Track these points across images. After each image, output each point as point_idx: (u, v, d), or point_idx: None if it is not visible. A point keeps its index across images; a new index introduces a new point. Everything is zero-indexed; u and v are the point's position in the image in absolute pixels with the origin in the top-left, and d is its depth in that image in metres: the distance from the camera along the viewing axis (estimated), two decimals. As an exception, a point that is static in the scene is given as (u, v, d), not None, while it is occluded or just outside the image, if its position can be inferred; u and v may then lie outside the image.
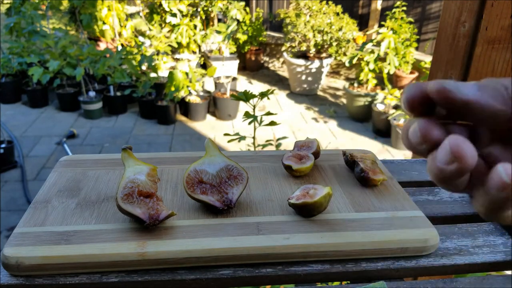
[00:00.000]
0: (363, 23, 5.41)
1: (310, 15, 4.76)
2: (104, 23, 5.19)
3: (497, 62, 1.06)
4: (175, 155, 0.81)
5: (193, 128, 4.14)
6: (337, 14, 4.78)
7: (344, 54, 4.75)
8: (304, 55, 5.09)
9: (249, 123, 1.62)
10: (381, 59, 4.43)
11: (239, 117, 4.34)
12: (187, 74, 4.09)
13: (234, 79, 4.82)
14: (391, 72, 4.14)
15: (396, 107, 3.98)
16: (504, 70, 1.07)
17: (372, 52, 4.19)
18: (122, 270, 0.55)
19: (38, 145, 3.68)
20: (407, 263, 0.58)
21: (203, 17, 5.43)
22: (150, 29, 5.21)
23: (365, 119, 4.30)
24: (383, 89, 4.31)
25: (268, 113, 1.53)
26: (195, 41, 5.18)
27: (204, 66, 5.49)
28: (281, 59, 6.04)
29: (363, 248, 0.58)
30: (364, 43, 4.21)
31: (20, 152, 3.51)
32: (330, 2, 4.82)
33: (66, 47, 4.17)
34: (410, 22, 4.23)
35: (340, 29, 4.64)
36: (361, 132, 4.11)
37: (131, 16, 6.05)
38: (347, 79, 5.65)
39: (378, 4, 5.23)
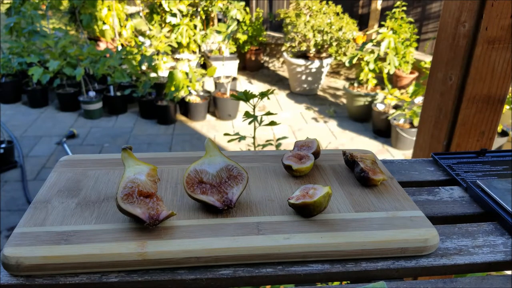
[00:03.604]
0: (363, 23, 5.41)
1: (310, 15, 4.76)
2: (104, 23, 5.19)
3: (497, 62, 1.06)
4: (175, 155, 0.81)
5: (193, 128, 4.14)
6: (337, 14, 4.78)
7: (344, 54, 4.75)
8: (304, 55, 5.09)
9: (249, 123, 1.62)
10: (381, 59, 4.43)
11: (239, 117, 4.34)
12: (187, 74, 4.08)
13: (234, 79, 4.81)
14: (391, 72, 4.14)
15: (396, 107, 3.98)
16: (504, 70, 1.07)
17: (372, 52, 4.19)
18: (122, 270, 0.55)
19: (38, 145, 3.68)
20: (407, 263, 0.58)
21: (203, 17, 5.43)
22: (150, 29, 5.21)
23: (365, 119, 4.30)
24: (383, 89, 4.31)
25: (268, 113, 1.53)
26: (195, 41, 5.18)
27: (204, 66, 5.49)
28: (281, 59, 6.04)
29: (363, 248, 0.58)
30: (364, 43, 4.21)
31: (20, 152, 3.50)
32: (330, 2, 4.82)
33: (66, 47, 4.16)
34: (410, 22, 4.23)
35: (340, 29, 4.64)
36: (361, 132, 4.11)
37: (131, 16, 6.05)
38: (347, 79, 5.65)
39: (378, 4, 5.23)
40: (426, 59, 4.33)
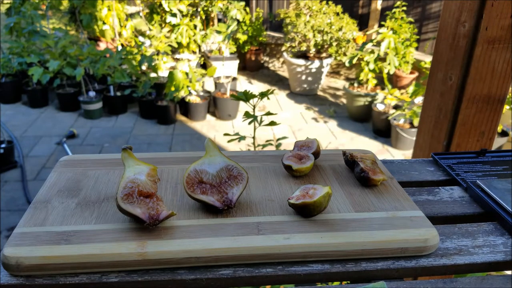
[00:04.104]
0: (363, 23, 5.41)
1: (310, 15, 4.76)
2: (104, 23, 5.18)
3: (497, 62, 1.06)
4: (175, 155, 0.81)
5: (193, 128, 4.14)
6: (337, 14, 4.78)
7: (344, 54, 4.75)
8: (304, 55, 5.08)
9: (249, 123, 1.62)
10: (381, 59, 4.43)
11: (239, 117, 4.34)
12: (187, 74, 4.08)
13: (234, 79, 4.81)
14: (391, 72, 4.14)
15: (396, 107, 3.98)
16: (504, 70, 1.07)
17: (372, 52, 4.19)
18: (122, 270, 0.55)
19: (38, 145, 3.68)
20: (407, 263, 0.58)
21: (203, 17, 5.43)
22: (150, 29, 5.21)
23: (365, 119, 4.30)
24: (383, 89, 4.31)
25: (268, 113, 1.53)
26: (195, 41, 5.18)
27: (204, 66, 5.49)
28: (281, 59, 6.04)
29: (363, 248, 0.58)
30: (364, 43, 4.21)
31: (20, 152, 3.50)
32: (330, 2, 4.82)
33: (66, 47, 4.16)
34: (410, 22, 4.23)
35: (340, 29, 4.64)
36: (361, 132, 4.10)
37: (131, 16, 6.05)
38: (347, 79, 5.65)
39: (378, 4, 5.23)
40: (426, 59, 4.33)
